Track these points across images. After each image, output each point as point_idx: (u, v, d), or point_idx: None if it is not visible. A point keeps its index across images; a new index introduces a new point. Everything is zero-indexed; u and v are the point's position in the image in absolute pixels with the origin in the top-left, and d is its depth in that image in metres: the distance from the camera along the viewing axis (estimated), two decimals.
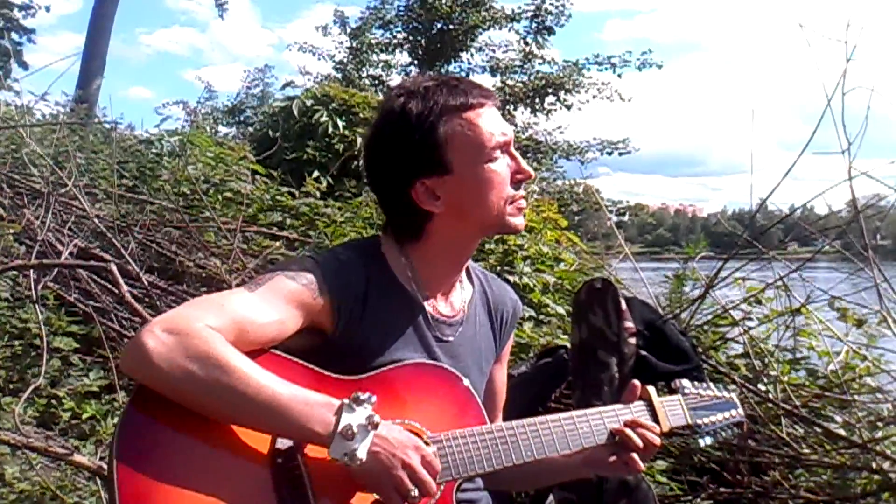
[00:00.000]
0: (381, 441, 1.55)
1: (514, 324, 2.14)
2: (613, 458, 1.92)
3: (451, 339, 1.91)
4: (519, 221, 1.88)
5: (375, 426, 1.54)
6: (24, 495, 2.98)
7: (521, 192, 1.87)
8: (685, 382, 2.12)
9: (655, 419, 1.97)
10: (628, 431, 1.90)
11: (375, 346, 1.79)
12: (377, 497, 1.60)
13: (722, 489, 3.13)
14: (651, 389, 2.01)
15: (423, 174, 1.80)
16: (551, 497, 2.52)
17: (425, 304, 1.88)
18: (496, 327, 2.05)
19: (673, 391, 2.09)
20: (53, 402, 3.58)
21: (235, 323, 1.59)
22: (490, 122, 1.82)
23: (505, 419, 1.98)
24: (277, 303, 1.67)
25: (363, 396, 1.55)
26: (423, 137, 1.78)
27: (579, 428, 1.88)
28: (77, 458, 3.03)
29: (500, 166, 1.82)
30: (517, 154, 1.87)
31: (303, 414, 1.53)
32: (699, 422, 2.07)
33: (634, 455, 1.89)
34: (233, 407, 1.52)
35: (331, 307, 1.74)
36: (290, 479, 1.57)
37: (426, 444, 1.67)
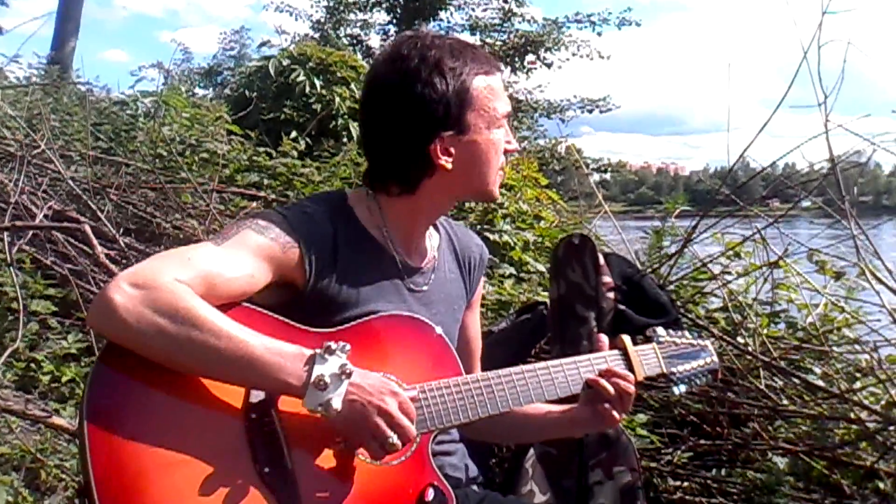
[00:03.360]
0: (357, 389, 1.54)
1: (483, 268, 2.14)
2: (590, 410, 1.93)
3: (424, 288, 1.92)
4: (498, 192, 1.94)
5: (349, 375, 1.54)
6: (4, 459, 2.96)
7: (505, 163, 1.93)
8: (660, 330, 2.12)
9: (630, 368, 1.97)
10: (602, 381, 1.90)
11: (348, 297, 1.78)
12: (348, 448, 1.60)
13: (702, 441, 3.15)
14: (626, 338, 2.02)
15: (445, 129, 1.80)
16: (532, 451, 2.53)
17: (395, 254, 1.88)
18: (465, 273, 2.06)
19: (648, 339, 2.09)
20: (32, 365, 3.55)
21: (203, 276, 1.57)
22: (503, 91, 1.87)
23: None
24: (246, 256, 1.66)
25: (335, 346, 1.55)
26: (456, 94, 1.79)
27: (555, 378, 1.89)
28: (56, 420, 3.01)
29: (500, 135, 1.87)
30: (510, 127, 1.92)
31: (275, 366, 1.52)
32: (674, 370, 2.08)
33: (608, 405, 1.89)
34: (203, 360, 1.51)
35: (300, 260, 1.73)
36: (264, 433, 1.56)
37: None
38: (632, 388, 1.91)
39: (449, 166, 1.81)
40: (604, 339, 2.02)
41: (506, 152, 1.90)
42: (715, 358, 2.19)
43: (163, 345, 1.49)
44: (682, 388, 2.11)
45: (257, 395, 1.58)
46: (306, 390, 1.51)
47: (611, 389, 1.89)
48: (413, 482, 1.68)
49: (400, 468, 1.66)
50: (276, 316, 1.68)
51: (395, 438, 1.56)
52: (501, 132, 1.86)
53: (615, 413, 1.90)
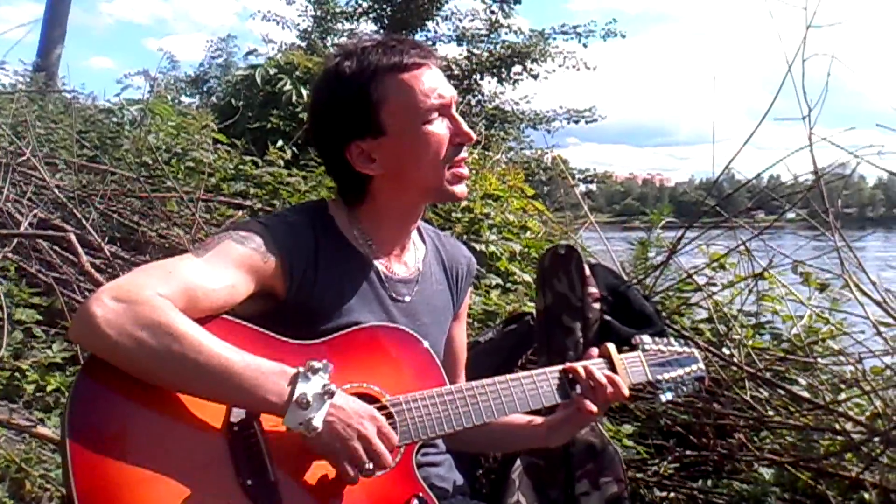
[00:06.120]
0: (337, 411, 1.53)
1: (471, 280, 2.14)
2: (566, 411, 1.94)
3: (407, 298, 1.91)
4: (458, 189, 1.87)
5: (331, 395, 1.52)
6: None
7: (462, 155, 1.86)
8: (646, 338, 2.12)
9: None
10: (577, 366, 1.91)
11: (330, 307, 1.78)
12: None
13: (688, 452, 3.16)
14: (611, 346, 2.01)
15: (357, 136, 1.80)
16: (518, 461, 2.52)
17: (377, 263, 1.88)
18: (452, 284, 2.06)
19: (633, 348, 2.09)
20: (17, 374, 3.53)
21: (185, 289, 1.57)
22: (426, 83, 1.80)
23: None
24: (227, 267, 1.65)
25: (318, 365, 1.53)
26: (356, 98, 1.78)
27: (539, 386, 1.89)
28: (41, 430, 3.00)
29: (437, 128, 1.81)
30: (458, 116, 1.85)
31: (256, 383, 1.51)
32: (659, 377, 2.08)
33: (581, 393, 1.90)
34: (184, 376, 1.50)
35: (282, 270, 1.73)
36: (246, 445, 1.55)
37: (385, 407, 1.66)
38: (603, 379, 1.91)
39: (375, 172, 1.82)
40: (594, 352, 2.02)
41: (458, 143, 1.84)
42: (702, 365, 2.20)
43: (143, 359, 1.48)
44: (669, 395, 2.11)
45: (239, 410, 1.57)
46: (287, 408, 1.50)
47: (582, 373, 1.90)
48: (397, 493, 1.67)
49: (384, 479, 1.65)
50: (258, 328, 1.67)
51: (370, 465, 1.55)
52: (437, 125, 1.81)
53: (588, 403, 1.89)
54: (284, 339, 1.67)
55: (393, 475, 1.67)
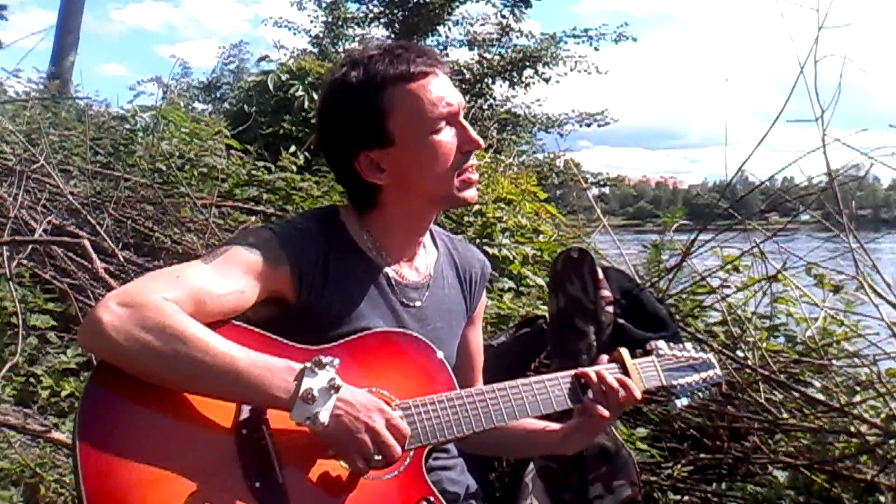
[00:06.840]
0: (345, 404, 1.54)
1: (484, 284, 2.13)
2: (580, 419, 1.93)
3: (417, 303, 1.91)
4: (469, 194, 1.86)
5: (337, 389, 1.53)
6: (3, 473, 2.96)
7: (471, 162, 1.85)
8: (661, 344, 2.10)
9: None
10: (589, 371, 1.90)
11: (339, 313, 1.78)
12: (341, 464, 1.60)
13: (702, 455, 3.15)
14: (624, 351, 2.00)
15: (365, 146, 1.79)
16: (532, 465, 2.52)
17: (388, 269, 1.88)
18: (466, 288, 2.05)
19: (648, 353, 2.08)
20: (31, 380, 3.55)
21: (192, 294, 1.58)
22: (433, 92, 1.79)
23: None
24: (235, 273, 1.66)
25: (325, 360, 1.55)
26: (364, 109, 1.77)
27: (551, 391, 1.88)
28: (55, 434, 3.01)
29: (445, 137, 1.81)
30: (466, 123, 1.84)
31: (263, 379, 1.52)
32: (674, 382, 2.06)
33: (593, 398, 1.89)
34: (190, 376, 1.51)
35: (291, 276, 1.73)
36: (255, 448, 1.56)
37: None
38: (615, 384, 1.90)
39: (383, 181, 1.82)
40: (604, 358, 2.01)
41: (466, 150, 1.83)
42: (718, 371, 2.18)
43: (150, 361, 1.49)
44: (685, 400, 2.09)
45: (248, 412, 1.58)
46: (294, 403, 1.51)
47: (594, 378, 1.89)
48: (406, 497, 1.67)
49: (393, 482, 1.66)
50: (266, 333, 1.67)
51: (379, 457, 1.56)
52: (445, 134, 1.80)
53: (600, 408, 1.87)
54: (293, 343, 1.68)
55: (402, 478, 1.67)
